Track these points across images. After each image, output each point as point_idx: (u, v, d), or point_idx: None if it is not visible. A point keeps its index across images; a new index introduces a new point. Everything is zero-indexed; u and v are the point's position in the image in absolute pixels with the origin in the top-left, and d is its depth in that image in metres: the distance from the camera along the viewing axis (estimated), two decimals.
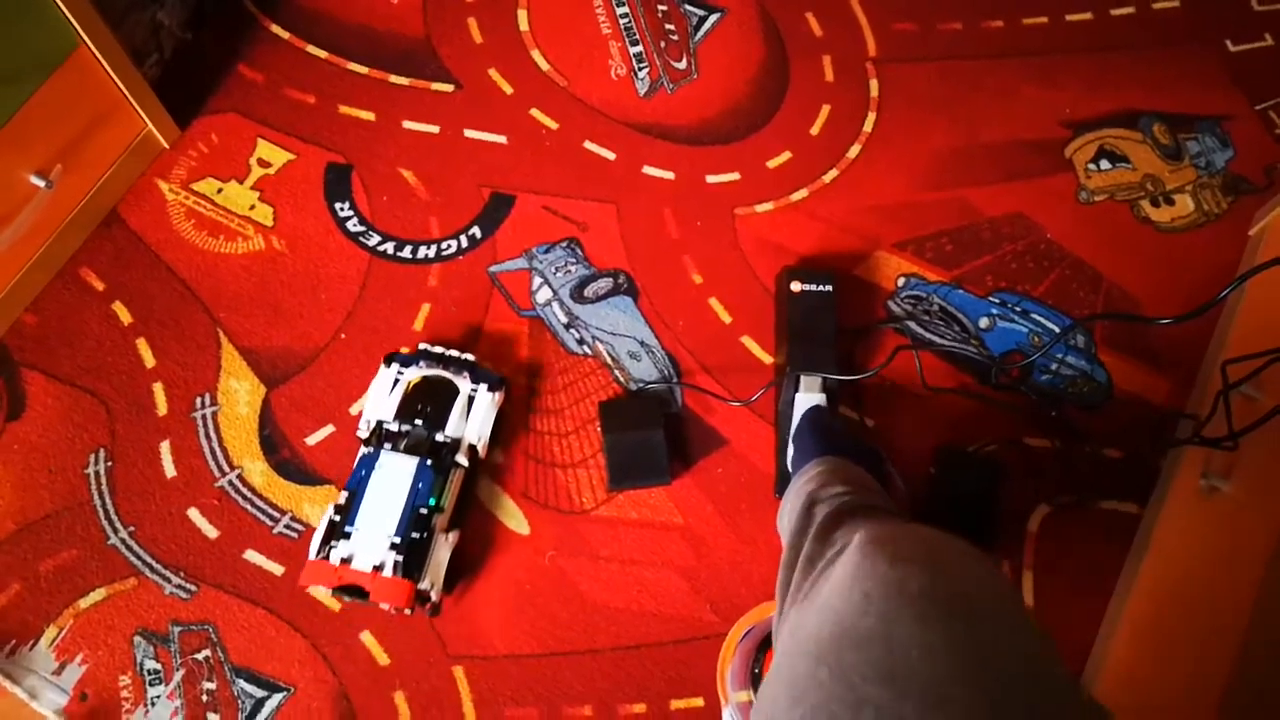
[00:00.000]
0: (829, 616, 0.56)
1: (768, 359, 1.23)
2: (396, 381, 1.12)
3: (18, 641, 1.07)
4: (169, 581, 1.09)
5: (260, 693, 1.05)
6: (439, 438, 1.09)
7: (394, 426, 1.09)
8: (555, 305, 1.24)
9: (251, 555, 1.11)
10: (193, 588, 1.09)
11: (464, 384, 1.12)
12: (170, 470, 1.14)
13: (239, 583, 1.10)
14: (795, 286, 1.18)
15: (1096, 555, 1.13)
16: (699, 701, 1.07)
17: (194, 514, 1.13)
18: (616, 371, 1.21)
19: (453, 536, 1.07)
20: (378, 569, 1.01)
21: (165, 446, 1.15)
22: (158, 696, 1.05)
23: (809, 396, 1.12)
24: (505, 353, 1.22)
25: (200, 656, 1.07)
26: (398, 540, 1.02)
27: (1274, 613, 0.85)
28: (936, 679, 0.50)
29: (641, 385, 1.20)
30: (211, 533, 1.12)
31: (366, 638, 1.08)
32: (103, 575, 1.10)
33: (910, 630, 0.51)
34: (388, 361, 1.14)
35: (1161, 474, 1.16)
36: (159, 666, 1.06)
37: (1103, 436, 1.17)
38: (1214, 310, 1.12)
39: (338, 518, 1.04)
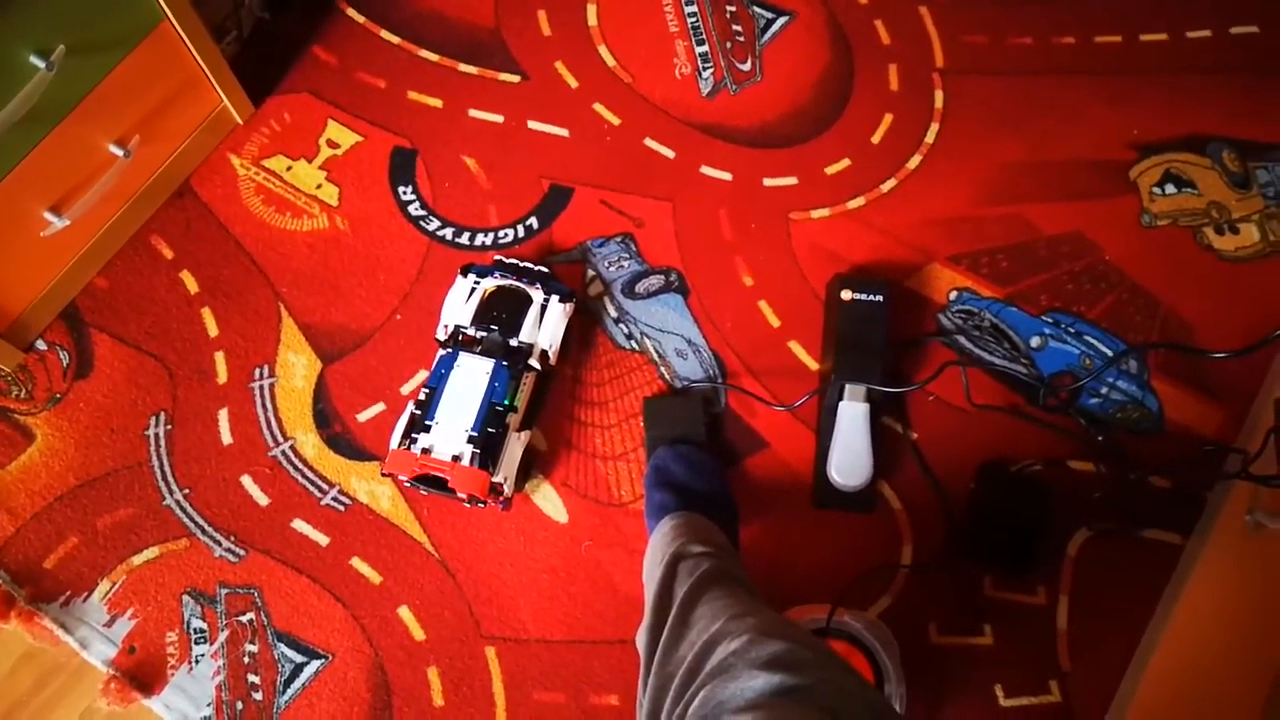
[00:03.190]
0: None
1: (814, 365, 1.23)
2: (473, 291, 1.17)
3: (72, 593, 1.12)
4: (219, 544, 1.13)
5: (300, 658, 1.09)
6: (512, 343, 1.14)
7: (471, 332, 1.15)
8: (606, 299, 1.26)
9: (299, 524, 1.14)
10: (241, 552, 1.13)
11: (537, 294, 1.17)
12: (227, 437, 1.18)
13: (286, 550, 1.13)
14: (846, 294, 1.18)
15: (1135, 584, 1.12)
16: None
17: (247, 481, 1.16)
18: (662, 368, 1.22)
19: (524, 435, 1.12)
20: (456, 459, 1.06)
21: (223, 414, 1.19)
22: (202, 655, 1.09)
23: (853, 405, 1.12)
24: None
25: (244, 619, 1.10)
26: (475, 434, 1.07)
27: None
28: None
29: (686, 383, 1.21)
30: (262, 500, 1.16)
31: (404, 612, 1.11)
32: (157, 534, 1.14)
33: None
34: (464, 271, 1.20)
35: (1208, 507, 1.14)
36: (205, 626, 1.10)
37: (1150, 465, 1.16)
38: (1272, 344, 1.11)
39: (419, 412, 1.09)
